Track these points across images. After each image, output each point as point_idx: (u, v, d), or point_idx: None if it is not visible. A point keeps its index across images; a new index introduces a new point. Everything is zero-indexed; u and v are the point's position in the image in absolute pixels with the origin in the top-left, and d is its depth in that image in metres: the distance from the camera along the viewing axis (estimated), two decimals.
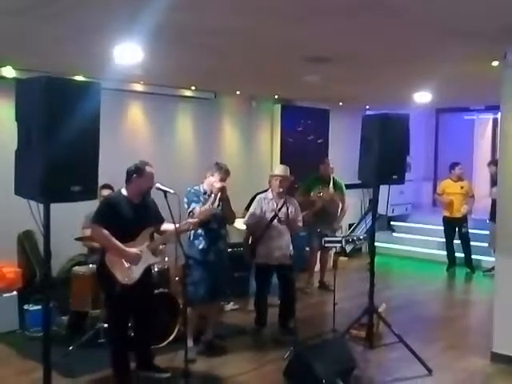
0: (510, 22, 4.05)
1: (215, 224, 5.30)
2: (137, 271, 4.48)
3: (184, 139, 8.44)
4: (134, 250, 4.45)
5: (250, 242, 5.97)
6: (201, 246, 5.26)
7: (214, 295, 5.33)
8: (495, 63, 5.55)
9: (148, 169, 4.51)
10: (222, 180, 5.19)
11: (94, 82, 3.13)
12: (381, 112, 5.11)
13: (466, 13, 3.82)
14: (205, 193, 5.25)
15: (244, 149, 9.31)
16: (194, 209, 5.09)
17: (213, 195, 5.14)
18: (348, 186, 8.32)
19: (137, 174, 4.47)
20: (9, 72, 6.13)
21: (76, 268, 5.83)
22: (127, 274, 4.42)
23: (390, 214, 11.06)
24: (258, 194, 6.59)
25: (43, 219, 3.00)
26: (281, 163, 7.70)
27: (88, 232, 5.50)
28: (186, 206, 5.15)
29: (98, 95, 3.01)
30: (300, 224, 6.00)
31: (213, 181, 5.19)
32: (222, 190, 5.13)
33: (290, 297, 5.87)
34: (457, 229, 9.19)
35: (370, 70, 6.36)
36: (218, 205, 5.21)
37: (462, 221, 9.12)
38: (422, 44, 4.88)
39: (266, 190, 6.36)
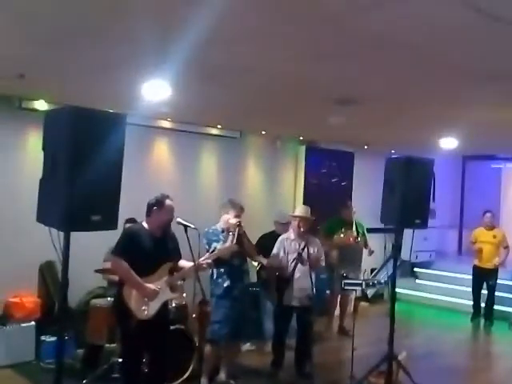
0: None
1: (237, 261, 5.32)
2: (154, 306, 4.45)
3: (208, 177, 8.50)
4: (151, 285, 4.43)
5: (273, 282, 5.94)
6: (225, 284, 5.30)
7: (237, 335, 5.29)
8: None
9: (168, 202, 4.54)
10: (238, 216, 5.25)
11: (120, 114, 3.20)
12: (405, 155, 5.09)
13: (496, 55, 3.81)
14: (223, 231, 5.30)
15: (267, 189, 9.33)
16: (215, 248, 5.12)
17: (231, 233, 5.16)
18: (371, 231, 8.24)
19: (157, 206, 4.50)
20: (41, 105, 6.30)
21: (94, 300, 5.84)
22: (144, 308, 4.39)
23: (413, 261, 10.90)
24: (262, 236, 6.65)
25: (63, 247, 3.02)
26: (304, 204, 7.71)
27: (108, 265, 5.52)
28: (207, 246, 5.19)
29: (123, 126, 3.07)
30: (322, 263, 6.01)
31: (228, 218, 5.25)
32: (239, 224, 5.16)
33: (307, 339, 5.80)
34: (485, 280, 8.94)
35: (395, 113, 6.38)
36: (238, 241, 5.23)
37: (492, 272, 8.85)
38: (450, 88, 4.88)
39: (271, 233, 6.38)
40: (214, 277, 5.34)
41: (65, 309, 3.95)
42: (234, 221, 5.20)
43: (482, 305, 9.06)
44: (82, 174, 2.86)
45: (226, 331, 5.14)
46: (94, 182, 2.92)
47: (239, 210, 5.32)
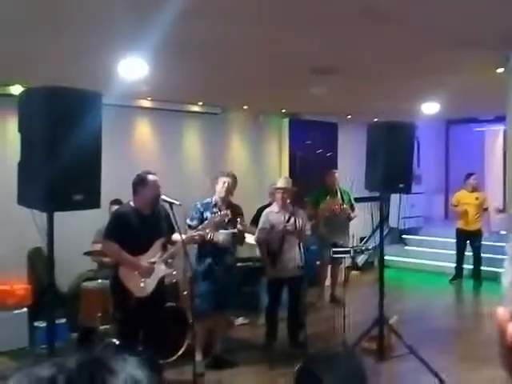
0: (511, 29, 4.06)
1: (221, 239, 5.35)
2: (151, 284, 4.50)
3: (192, 154, 8.48)
4: (146, 263, 4.47)
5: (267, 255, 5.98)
6: (207, 261, 5.34)
7: (219, 308, 5.33)
8: (500, 70, 5.54)
9: (150, 177, 4.53)
10: (225, 183, 5.31)
11: (95, 91, 3.17)
12: (386, 120, 5.11)
13: (468, 20, 3.82)
14: (215, 204, 5.32)
15: (252, 163, 9.33)
16: (206, 217, 5.16)
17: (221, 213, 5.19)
18: (359, 200, 8.30)
19: (140, 183, 4.50)
20: (17, 90, 6.21)
21: (85, 283, 5.85)
22: (142, 286, 4.43)
23: (401, 227, 11.01)
24: (260, 208, 6.65)
25: (47, 229, 3.01)
26: (290, 177, 7.72)
27: (98, 246, 5.53)
28: (189, 221, 5.20)
29: (100, 104, 3.06)
30: (308, 233, 6.07)
31: (219, 187, 5.29)
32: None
33: (299, 309, 5.86)
34: (469, 242, 9.09)
35: (376, 82, 6.38)
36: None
37: (477, 234, 9.01)
38: (427, 54, 4.90)
39: (268, 204, 6.39)
40: (198, 254, 5.40)
41: (54, 292, 3.95)
42: (220, 187, 5.24)
43: (465, 266, 9.20)
44: (60, 154, 2.84)
45: (206, 306, 5.20)
46: (73, 161, 2.91)
47: (227, 175, 5.37)
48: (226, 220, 5.20)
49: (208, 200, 5.44)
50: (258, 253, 6.60)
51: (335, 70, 5.56)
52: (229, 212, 5.15)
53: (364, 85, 6.60)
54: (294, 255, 5.79)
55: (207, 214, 5.29)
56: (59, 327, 5.26)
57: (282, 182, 6.09)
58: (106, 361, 0.68)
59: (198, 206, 5.39)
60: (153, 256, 4.53)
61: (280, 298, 5.95)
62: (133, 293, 4.38)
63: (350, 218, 7.82)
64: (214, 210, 5.28)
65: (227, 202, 5.41)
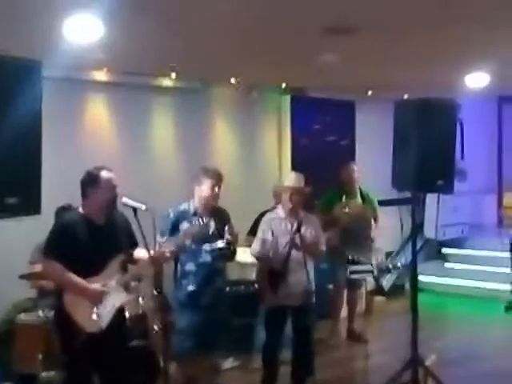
0: None
1: (208, 257, 5.35)
2: (106, 315, 4.46)
3: (163, 143, 8.48)
4: (97, 286, 4.44)
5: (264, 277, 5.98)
6: (190, 288, 5.34)
7: (205, 348, 5.33)
8: None
9: (104, 174, 4.49)
10: (214, 187, 5.33)
11: (32, 59, 3.14)
12: (420, 97, 5.12)
13: None
14: (195, 213, 5.31)
15: (243, 154, 9.33)
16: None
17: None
18: (383, 203, 8.30)
19: (90, 183, 4.47)
20: None
21: (21, 316, 5.84)
22: (94, 319, 4.41)
23: (440, 239, 11.03)
24: (262, 213, 6.63)
25: None
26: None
27: (38, 268, 5.50)
28: (161, 236, 5.18)
29: (39, 75, 3.03)
30: (323, 248, 6.05)
31: (204, 192, 5.28)
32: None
33: (306, 348, 5.85)
34: None
35: (406, 44, 6.38)
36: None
37: None
38: (474, 3, 4.87)
39: (273, 208, 6.38)
40: (178, 276, 5.38)
41: None
42: (207, 191, 5.25)
43: None
44: None
45: (189, 344, 5.20)
46: (3, 153, 2.88)
47: (215, 177, 5.37)
48: (210, 232, 5.20)
49: (184, 207, 5.41)
50: (252, 274, 6.61)
51: (351, 28, 5.55)
52: (212, 223, 5.14)
53: (390, 48, 6.60)
54: (301, 277, 5.77)
55: (184, 226, 5.27)
56: None
57: (291, 179, 6.09)
58: None
59: (171, 215, 5.37)
60: (108, 278, 4.51)
61: (282, 333, 5.94)
62: (82, 327, 4.36)
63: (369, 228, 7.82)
64: (194, 219, 5.26)
65: (211, 208, 5.40)
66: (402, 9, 5.01)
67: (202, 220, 5.14)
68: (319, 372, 5.92)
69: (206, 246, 5.33)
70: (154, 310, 5.93)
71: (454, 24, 5.60)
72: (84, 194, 4.51)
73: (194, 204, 5.41)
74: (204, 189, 5.35)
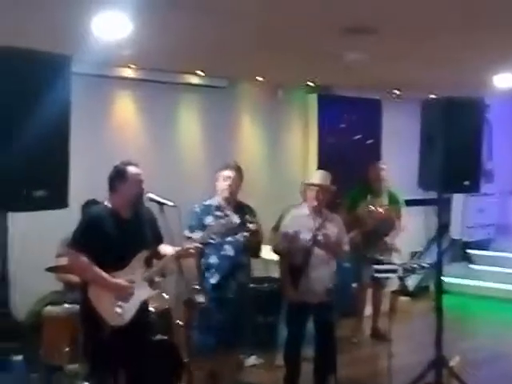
0: None
1: (231, 250, 5.36)
2: (130, 308, 4.50)
3: (189, 140, 8.50)
4: (122, 281, 4.48)
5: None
6: (213, 281, 5.36)
7: (227, 343, 5.34)
8: None
9: (131, 169, 4.54)
10: (228, 178, 5.38)
11: (62, 54, 3.17)
12: (446, 96, 5.09)
13: None
14: (217, 207, 5.34)
15: (269, 153, 9.33)
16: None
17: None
18: (408, 203, 8.26)
19: (118, 178, 4.52)
20: None
21: (48, 309, 5.88)
22: (118, 312, 4.45)
23: (466, 240, 10.95)
24: (287, 208, 6.62)
25: None
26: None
27: (64, 261, 5.55)
28: (188, 232, 5.23)
29: (68, 71, 3.06)
30: (346, 248, 6.04)
31: (219, 185, 5.38)
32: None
33: (328, 346, 5.85)
34: None
35: (431, 43, 6.34)
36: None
37: None
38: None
39: (298, 205, 6.38)
40: (202, 268, 5.41)
41: (8, 320, 3.98)
42: (221, 184, 5.28)
43: None
44: (15, 138, 2.84)
45: (211, 339, 5.23)
46: (32, 147, 2.91)
47: (228, 169, 5.42)
48: (233, 225, 5.22)
49: (209, 202, 5.48)
50: (276, 272, 6.61)
51: (376, 28, 5.53)
52: (235, 217, 5.16)
53: (416, 48, 6.56)
54: (322, 274, 5.79)
55: (208, 220, 5.32)
56: (14, 366, 5.29)
57: (317, 177, 6.11)
58: None
59: (197, 210, 5.43)
60: (133, 273, 4.54)
61: (304, 330, 5.95)
62: (106, 321, 4.39)
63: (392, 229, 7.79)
64: (217, 213, 5.31)
65: (235, 203, 5.44)
66: (425, 10, 4.98)
67: (225, 214, 5.17)
68: (342, 370, 5.91)
69: (229, 239, 5.35)
70: (177, 304, 5.95)
71: (480, 25, 5.57)
72: (111, 189, 4.56)
73: (217, 199, 5.46)
74: (219, 182, 5.43)
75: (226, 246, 5.38)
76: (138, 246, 4.58)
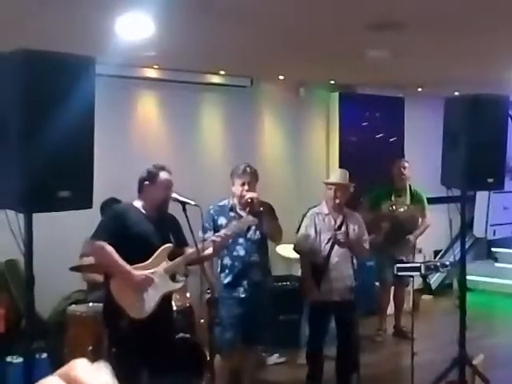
0: None
1: (242, 250, 5.38)
2: (151, 301, 4.51)
3: (211, 139, 8.52)
4: (143, 272, 4.50)
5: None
6: (226, 281, 5.42)
7: (247, 341, 5.37)
8: None
9: (163, 174, 4.59)
10: (244, 184, 5.30)
11: (86, 56, 3.19)
12: (470, 93, 5.05)
13: None
14: (231, 208, 5.34)
15: (291, 151, 9.32)
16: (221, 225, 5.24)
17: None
18: (432, 201, 8.21)
19: (148, 180, 4.57)
20: None
21: (72, 307, 5.93)
22: (139, 304, 4.47)
23: (490, 238, 10.86)
24: (310, 209, 6.62)
25: (24, 235, 3.06)
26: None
27: (88, 260, 5.60)
28: (202, 233, 5.22)
29: (92, 72, 3.08)
30: (366, 246, 6.02)
31: (236, 191, 5.33)
32: (251, 201, 5.20)
33: (351, 344, 5.84)
34: None
35: (456, 40, 6.30)
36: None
37: None
38: None
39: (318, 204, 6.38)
40: (218, 269, 5.50)
41: (34, 319, 4.01)
42: (238, 190, 5.24)
43: None
44: (40, 138, 2.88)
45: (230, 336, 5.27)
46: (57, 147, 2.94)
47: (247, 176, 5.35)
48: (247, 226, 5.22)
49: (224, 202, 5.48)
50: (298, 270, 6.60)
51: (400, 24, 5.50)
52: (250, 217, 5.15)
53: (440, 45, 6.52)
54: (344, 274, 5.78)
55: (222, 221, 5.32)
56: (39, 364, 5.33)
57: (335, 175, 6.12)
58: None
59: (211, 211, 5.43)
60: (155, 266, 4.56)
61: (326, 329, 5.94)
62: (127, 312, 4.41)
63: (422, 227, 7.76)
64: (231, 214, 5.31)
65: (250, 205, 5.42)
66: (453, 6, 4.95)
67: (239, 215, 5.19)
68: (365, 368, 5.87)
69: (240, 240, 5.36)
70: (200, 302, 5.97)
71: (507, 22, 5.52)
72: (140, 190, 4.63)
73: (233, 200, 5.45)
74: (235, 189, 5.39)
75: (238, 247, 5.41)
76: (161, 240, 4.62)
